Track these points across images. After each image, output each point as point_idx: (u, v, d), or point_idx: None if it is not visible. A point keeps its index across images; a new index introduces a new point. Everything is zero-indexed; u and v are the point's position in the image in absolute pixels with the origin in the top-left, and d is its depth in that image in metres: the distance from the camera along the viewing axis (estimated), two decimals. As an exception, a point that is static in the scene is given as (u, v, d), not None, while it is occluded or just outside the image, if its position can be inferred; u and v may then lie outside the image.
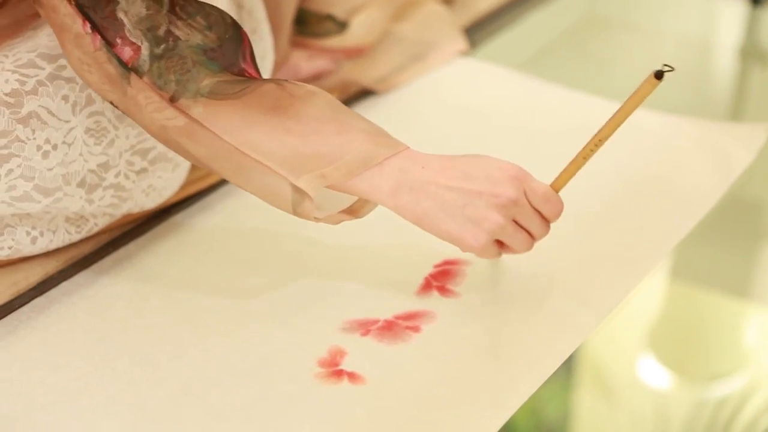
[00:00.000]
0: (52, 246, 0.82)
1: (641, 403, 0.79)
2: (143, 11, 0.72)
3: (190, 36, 0.72)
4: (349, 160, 0.72)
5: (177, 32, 0.72)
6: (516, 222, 0.75)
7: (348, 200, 0.76)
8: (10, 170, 0.77)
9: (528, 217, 0.75)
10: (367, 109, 1.05)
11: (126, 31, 0.72)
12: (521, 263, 0.84)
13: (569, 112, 1.07)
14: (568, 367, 0.76)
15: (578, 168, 0.77)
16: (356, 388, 0.73)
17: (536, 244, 0.76)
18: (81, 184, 0.80)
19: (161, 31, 0.72)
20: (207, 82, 0.72)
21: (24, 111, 0.76)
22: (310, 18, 1.07)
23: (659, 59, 1.28)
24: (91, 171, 0.80)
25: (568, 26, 1.33)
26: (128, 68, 0.72)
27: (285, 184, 0.72)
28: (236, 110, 0.72)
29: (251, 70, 0.75)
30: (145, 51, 0.71)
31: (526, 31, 1.27)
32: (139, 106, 0.73)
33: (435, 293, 0.81)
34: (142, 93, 0.72)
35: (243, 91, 0.72)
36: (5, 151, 0.76)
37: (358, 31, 1.10)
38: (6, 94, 0.76)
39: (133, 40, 0.72)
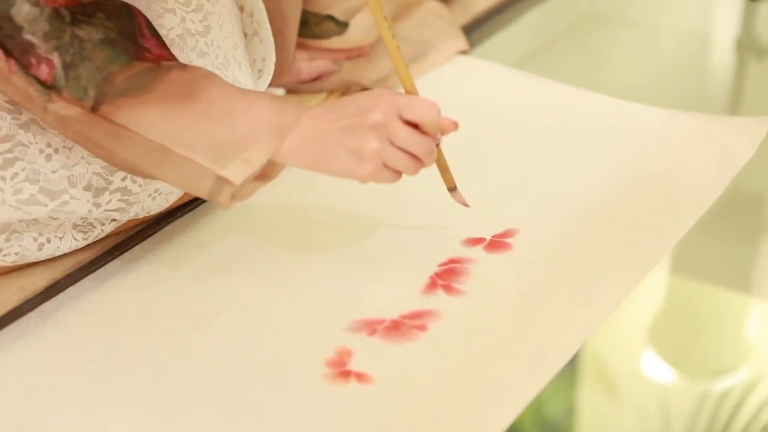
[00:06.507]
0: (59, 252, 0.83)
1: (644, 399, 0.79)
2: (47, 27, 0.72)
3: (92, 33, 0.73)
4: (265, 138, 0.75)
5: (80, 33, 0.73)
6: (396, 145, 0.77)
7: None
8: (15, 174, 0.77)
9: (403, 137, 0.77)
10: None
11: (37, 48, 0.72)
12: (526, 261, 0.84)
13: (569, 109, 1.07)
14: (571, 363, 0.76)
15: (400, 56, 0.79)
16: (364, 388, 0.73)
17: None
18: (87, 187, 0.80)
19: (66, 38, 0.72)
20: (120, 79, 0.73)
21: (24, 117, 0.77)
22: (311, 19, 1.07)
23: (657, 54, 1.29)
24: (96, 174, 0.80)
25: (567, 23, 1.33)
26: (48, 87, 0.73)
27: (208, 174, 0.75)
28: (154, 106, 0.74)
29: (151, 44, 0.76)
30: (57, 63, 0.72)
31: (525, 28, 1.27)
32: (59, 120, 0.74)
33: (440, 292, 0.81)
34: (64, 109, 0.73)
35: (155, 82, 0.74)
36: (10, 155, 0.77)
37: (358, 32, 1.10)
38: (6, 101, 0.76)
39: (46, 56, 0.72)
